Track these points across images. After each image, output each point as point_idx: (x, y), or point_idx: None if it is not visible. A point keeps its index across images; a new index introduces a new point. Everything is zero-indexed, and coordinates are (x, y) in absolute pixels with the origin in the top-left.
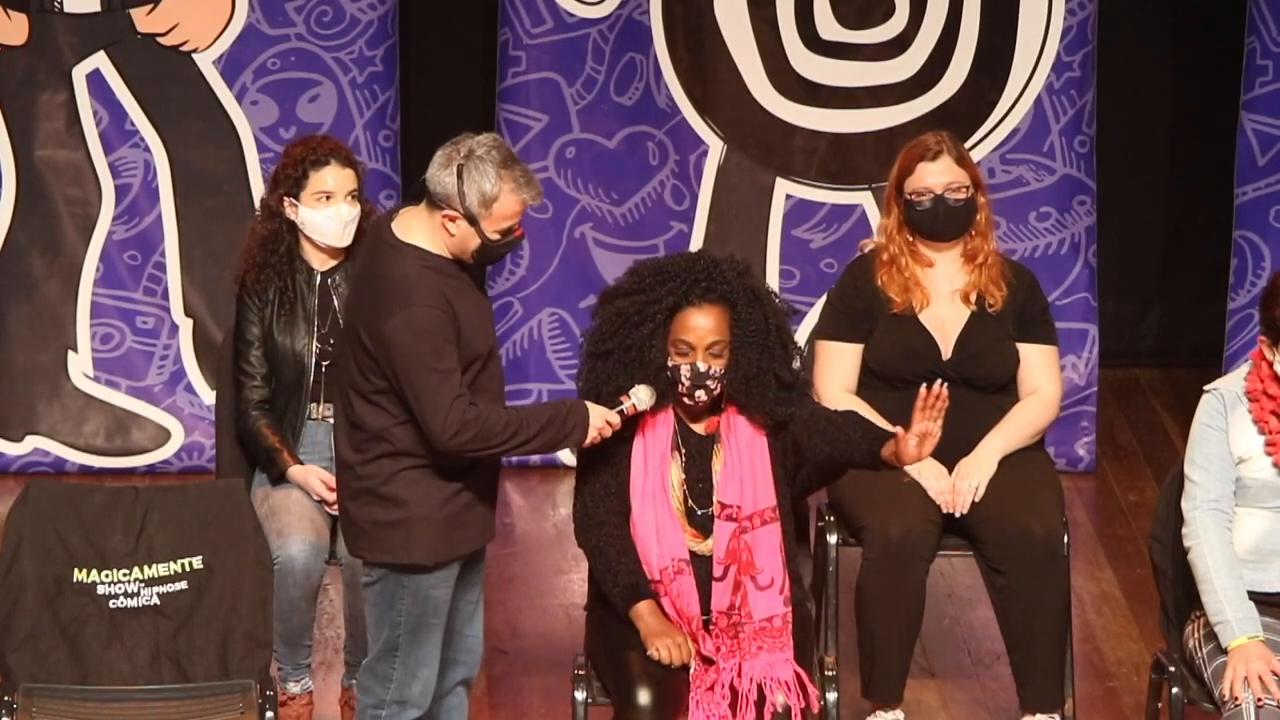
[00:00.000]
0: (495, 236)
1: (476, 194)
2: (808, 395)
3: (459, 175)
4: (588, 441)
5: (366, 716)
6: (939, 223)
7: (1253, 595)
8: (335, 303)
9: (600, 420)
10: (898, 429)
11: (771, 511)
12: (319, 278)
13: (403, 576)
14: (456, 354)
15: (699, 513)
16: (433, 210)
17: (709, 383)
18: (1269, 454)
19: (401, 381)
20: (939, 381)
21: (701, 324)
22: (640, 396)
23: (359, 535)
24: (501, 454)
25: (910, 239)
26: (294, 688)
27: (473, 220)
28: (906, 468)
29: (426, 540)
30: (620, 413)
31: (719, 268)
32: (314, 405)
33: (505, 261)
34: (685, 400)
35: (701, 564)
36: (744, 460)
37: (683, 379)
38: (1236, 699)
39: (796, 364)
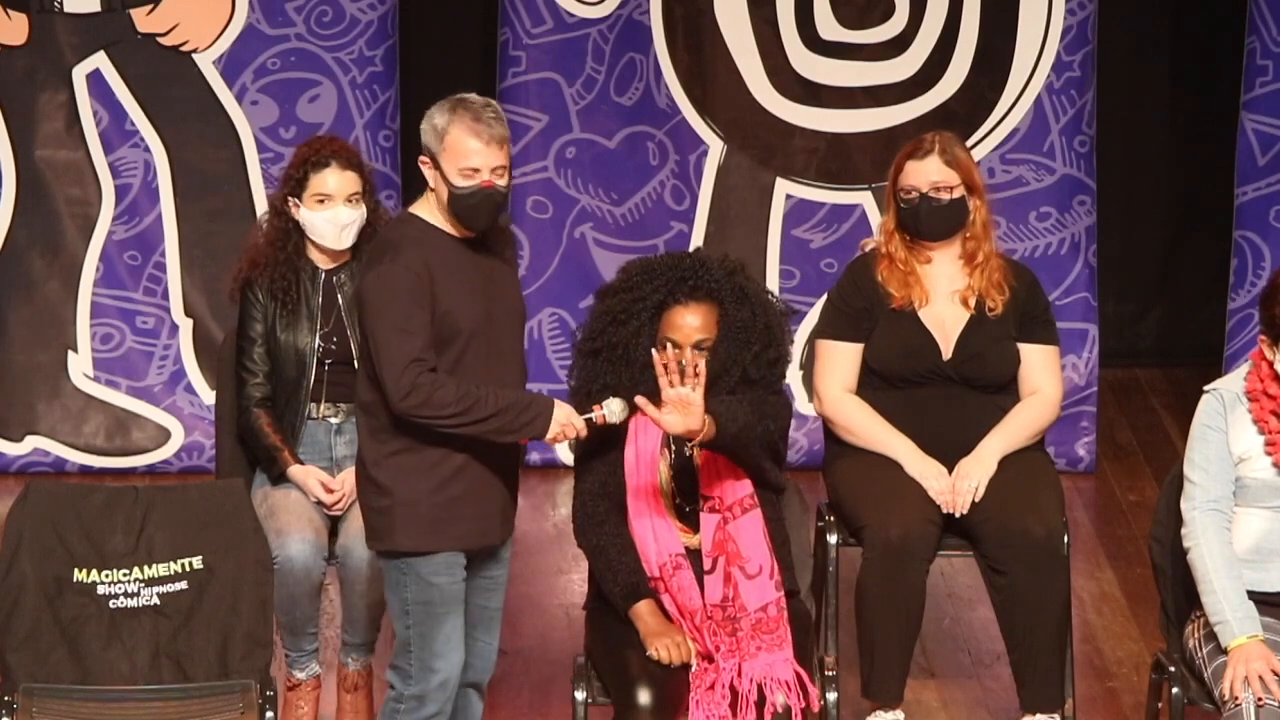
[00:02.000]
0: (459, 182)
1: (432, 129)
2: (772, 389)
3: (426, 117)
4: (548, 438)
5: (388, 709)
6: (921, 221)
7: (1253, 595)
8: (340, 301)
9: (565, 418)
10: (638, 398)
11: (750, 499)
12: (323, 276)
13: (400, 563)
14: (428, 320)
15: (687, 509)
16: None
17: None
18: (1269, 454)
19: (366, 337)
20: (671, 349)
21: (688, 322)
22: (612, 409)
23: (365, 521)
24: (454, 430)
25: (907, 236)
26: (300, 674)
27: (435, 161)
28: (906, 469)
29: (410, 527)
30: (588, 421)
31: (706, 266)
32: (314, 405)
33: None
34: None
35: (697, 560)
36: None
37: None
38: (1236, 699)
39: (783, 365)
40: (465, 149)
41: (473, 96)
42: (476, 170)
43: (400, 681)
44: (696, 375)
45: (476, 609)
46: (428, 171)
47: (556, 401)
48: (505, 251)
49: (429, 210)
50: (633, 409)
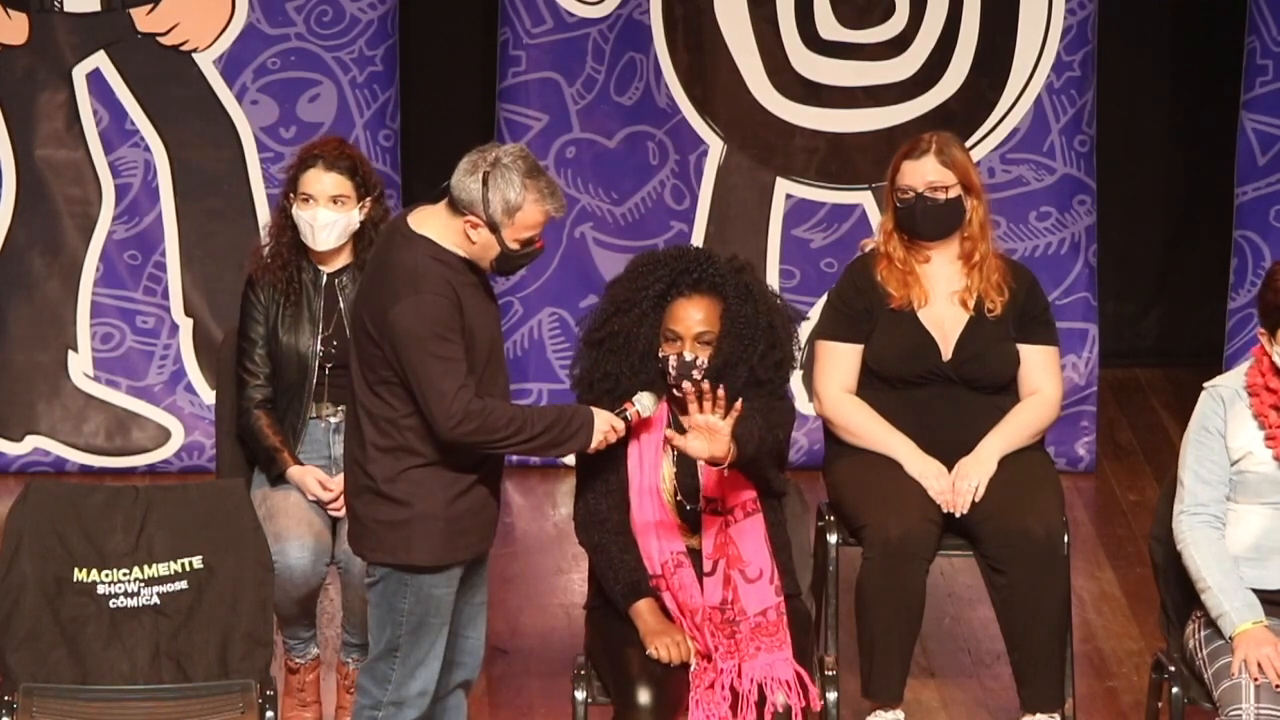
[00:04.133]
0: (515, 246)
1: (500, 201)
2: (777, 393)
3: (484, 182)
4: (593, 447)
5: (363, 718)
6: (916, 221)
7: (1253, 593)
8: (341, 304)
9: (606, 425)
10: (667, 431)
11: (752, 503)
12: (325, 278)
13: (406, 576)
14: (462, 346)
15: (688, 508)
16: (454, 215)
17: (695, 373)
18: (1269, 446)
19: (406, 369)
20: (703, 380)
21: (691, 314)
22: (644, 403)
23: (363, 534)
24: (504, 450)
25: (905, 236)
26: (299, 659)
27: (494, 228)
28: (906, 468)
29: (429, 541)
30: (625, 420)
31: (711, 259)
32: (315, 406)
33: None
34: (674, 391)
35: (698, 559)
36: None
37: (670, 368)
38: (1255, 679)
39: (787, 367)
40: (535, 222)
41: (529, 162)
42: (536, 236)
43: (377, 687)
44: (718, 404)
45: (463, 608)
46: (476, 232)
47: (593, 409)
48: None
49: (440, 234)
50: (661, 399)
